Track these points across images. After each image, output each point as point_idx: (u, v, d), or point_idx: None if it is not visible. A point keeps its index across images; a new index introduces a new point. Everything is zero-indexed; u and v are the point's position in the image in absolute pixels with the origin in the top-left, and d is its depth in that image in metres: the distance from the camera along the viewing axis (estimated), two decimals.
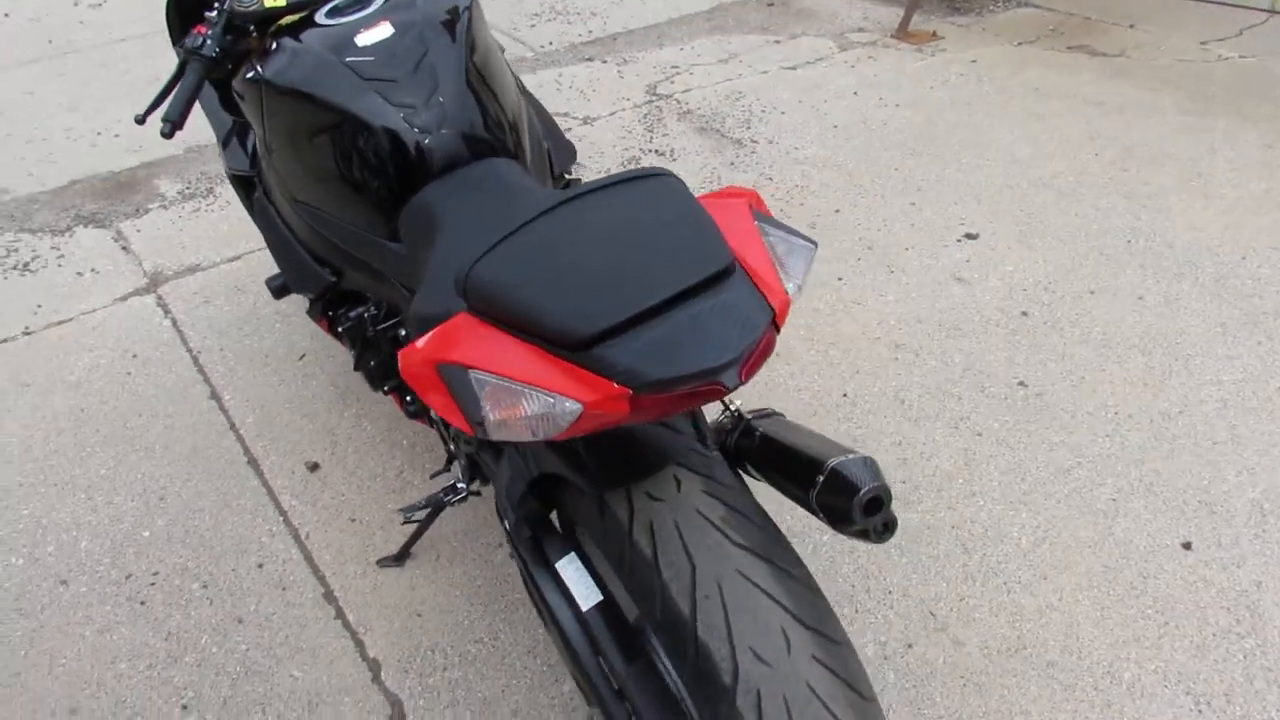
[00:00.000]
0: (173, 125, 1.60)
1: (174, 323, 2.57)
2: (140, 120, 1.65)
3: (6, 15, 4.56)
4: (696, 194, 2.71)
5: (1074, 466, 2.08)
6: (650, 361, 0.89)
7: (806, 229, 2.84)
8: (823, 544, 1.93)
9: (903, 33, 4.13)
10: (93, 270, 2.79)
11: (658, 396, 0.90)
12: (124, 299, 2.66)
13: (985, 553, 1.90)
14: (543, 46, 4.09)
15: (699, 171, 3.12)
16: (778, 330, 0.94)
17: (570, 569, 1.34)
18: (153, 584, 1.90)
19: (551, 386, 0.90)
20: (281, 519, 2.02)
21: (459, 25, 1.52)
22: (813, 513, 1.19)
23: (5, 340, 2.52)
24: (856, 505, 1.11)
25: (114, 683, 1.73)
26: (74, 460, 2.16)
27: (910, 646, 1.75)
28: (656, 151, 3.25)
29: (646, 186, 1.04)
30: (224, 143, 1.90)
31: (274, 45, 1.54)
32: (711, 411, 1.52)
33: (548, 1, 4.53)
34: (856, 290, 2.60)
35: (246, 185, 1.89)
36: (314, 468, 2.13)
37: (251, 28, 1.57)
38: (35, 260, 2.84)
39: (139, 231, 2.96)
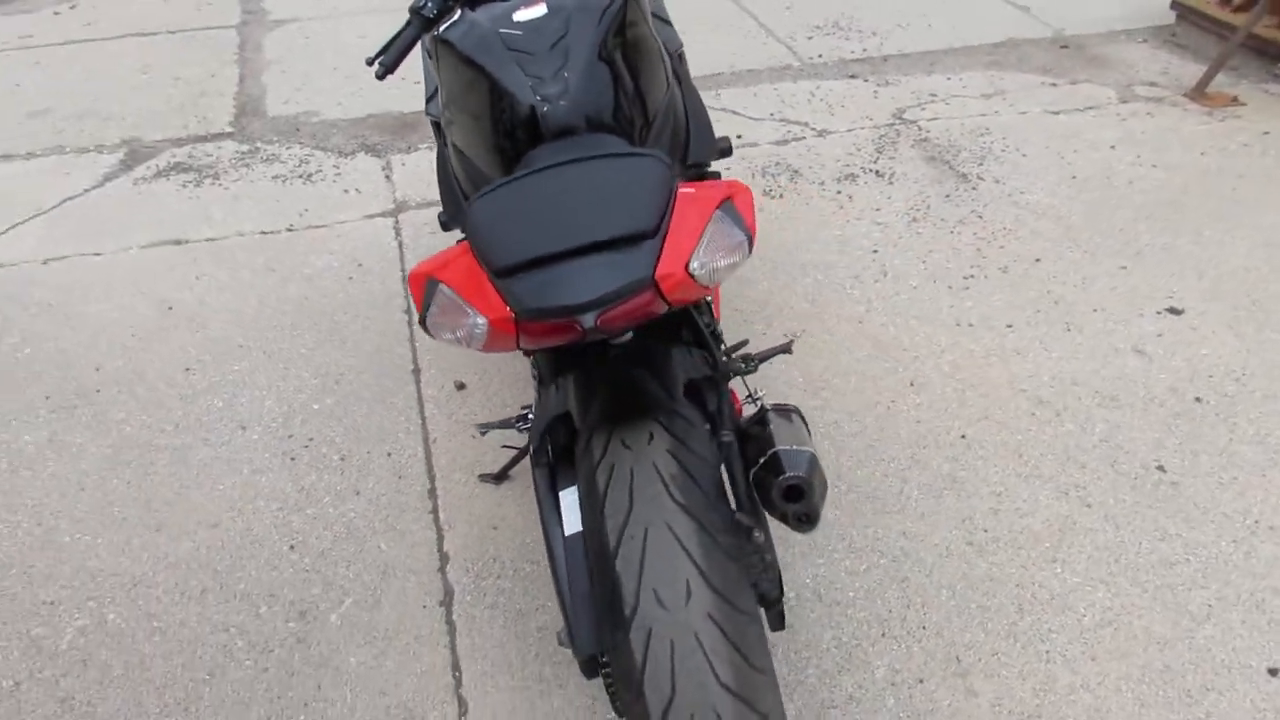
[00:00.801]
0: (385, 69, 1.91)
1: (400, 245, 2.97)
2: (370, 62, 1.98)
3: None
4: (897, 220, 2.68)
5: (1180, 562, 1.95)
6: (533, 295, 1.03)
7: (996, 271, 2.78)
8: (877, 566, 1.96)
9: (1199, 93, 3.84)
10: (356, 190, 3.27)
11: (535, 324, 1.05)
12: (370, 218, 3.12)
13: (1040, 617, 1.85)
14: (811, 58, 4.20)
15: (909, 198, 3.13)
16: (664, 298, 1.04)
17: (568, 498, 1.51)
18: (306, 446, 2.28)
19: (473, 304, 1.07)
20: (420, 422, 2.33)
21: (607, 13, 1.70)
22: (752, 489, 1.28)
23: (272, 232, 3.05)
24: (778, 486, 1.19)
25: (250, 513, 2.11)
26: (285, 336, 2.60)
27: (922, 682, 1.75)
28: (876, 172, 3.28)
29: (630, 163, 1.18)
30: (429, 94, 2.21)
31: (459, 12, 1.81)
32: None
33: (833, 16, 4.62)
34: (1022, 340, 2.53)
35: (440, 132, 2.20)
36: (460, 387, 2.43)
37: None
38: (318, 174, 3.38)
39: (403, 165, 3.42)
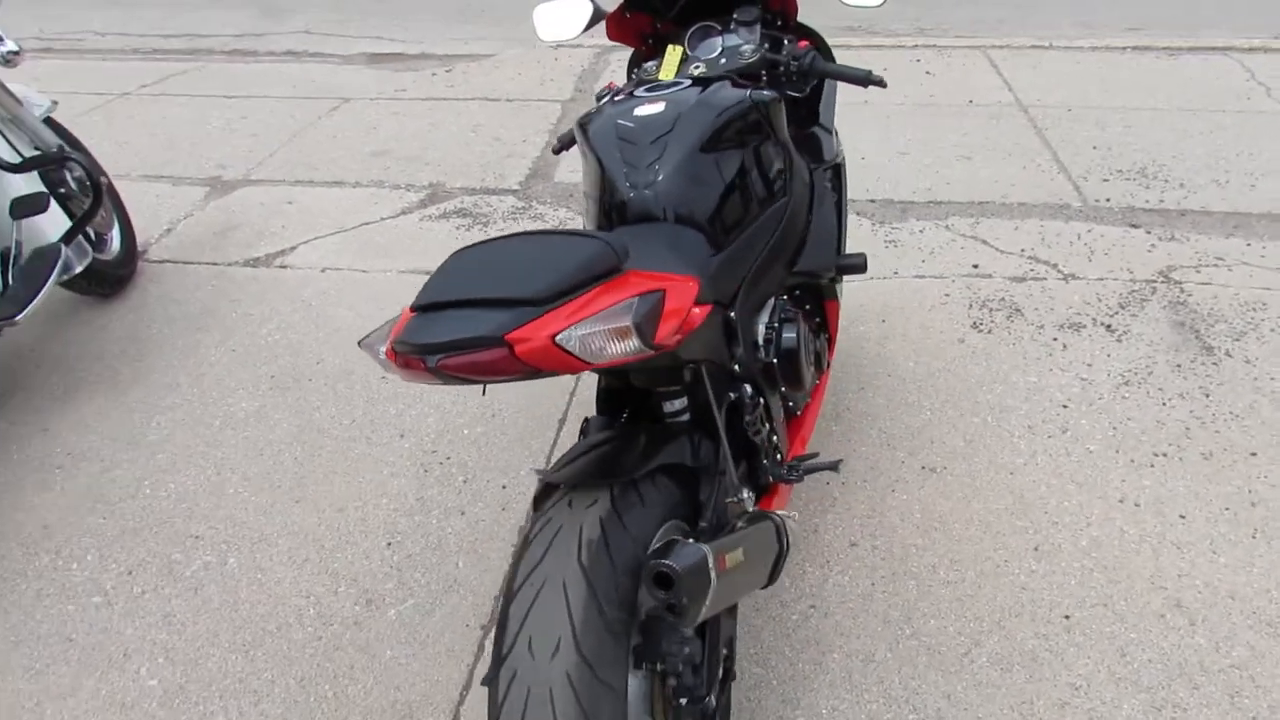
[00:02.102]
0: (561, 146, 2.17)
1: None
2: (555, 150, 2.25)
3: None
4: (1106, 380, 2.48)
5: None
6: (407, 331, 1.15)
7: (1197, 456, 2.48)
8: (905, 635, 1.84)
9: None
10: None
11: (406, 357, 1.16)
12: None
13: None
14: (1096, 201, 3.96)
15: (1132, 360, 2.86)
16: (515, 356, 1.12)
17: None
18: (441, 463, 2.54)
19: (390, 334, 1.22)
20: (545, 464, 2.52)
21: (717, 119, 1.80)
22: None
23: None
24: (647, 569, 1.23)
25: (370, 507, 2.40)
26: None
27: None
28: (1107, 326, 3.04)
29: (575, 242, 1.27)
30: None
31: (603, 103, 2.00)
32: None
33: (1142, 163, 4.31)
34: (1190, 535, 2.24)
35: None
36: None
37: None
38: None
39: None
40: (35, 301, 2.60)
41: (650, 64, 2.29)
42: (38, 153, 2.89)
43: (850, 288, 3.30)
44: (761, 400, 1.78)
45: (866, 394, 2.77)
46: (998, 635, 2.01)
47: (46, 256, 2.71)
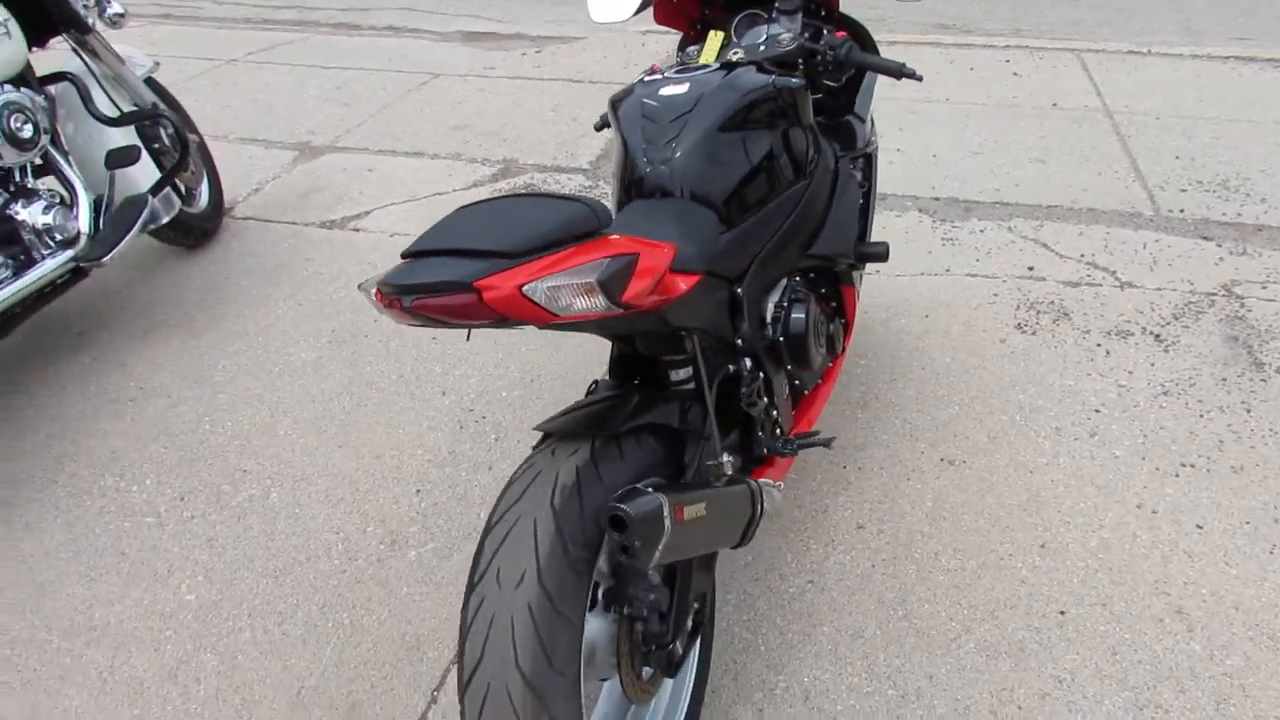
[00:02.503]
0: (601, 124, 2.27)
1: None
2: (597, 128, 2.35)
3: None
4: (1146, 388, 2.44)
5: None
6: (393, 276, 1.26)
7: (1226, 470, 2.45)
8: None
9: None
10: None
11: (389, 297, 1.26)
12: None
13: None
14: (1169, 211, 3.88)
15: (1176, 371, 2.83)
16: (483, 303, 1.21)
17: None
18: (477, 421, 2.67)
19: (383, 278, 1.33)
20: None
21: (738, 102, 1.87)
22: None
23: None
24: (605, 510, 1.32)
25: (405, 456, 2.55)
26: (514, 336, 3.04)
27: None
28: (1156, 336, 3.00)
29: (557, 204, 1.36)
30: None
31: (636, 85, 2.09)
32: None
33: (1225, 175, 4.19)
34: (1205, 545, 2.23)
35: None
36: None
37: None
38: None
39: None
40: (120, 246, 2.82)
41: (693, 48, 2.37)
42: (134, 109, 3.11)
43: (898, 282, 3.32)
44: (761, 375, 1.85)
45: (898, 385, 2.80)
46: (989, 624, 2.04)
47: (135, 205, 2.93)
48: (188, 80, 5.44)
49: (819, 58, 2.20)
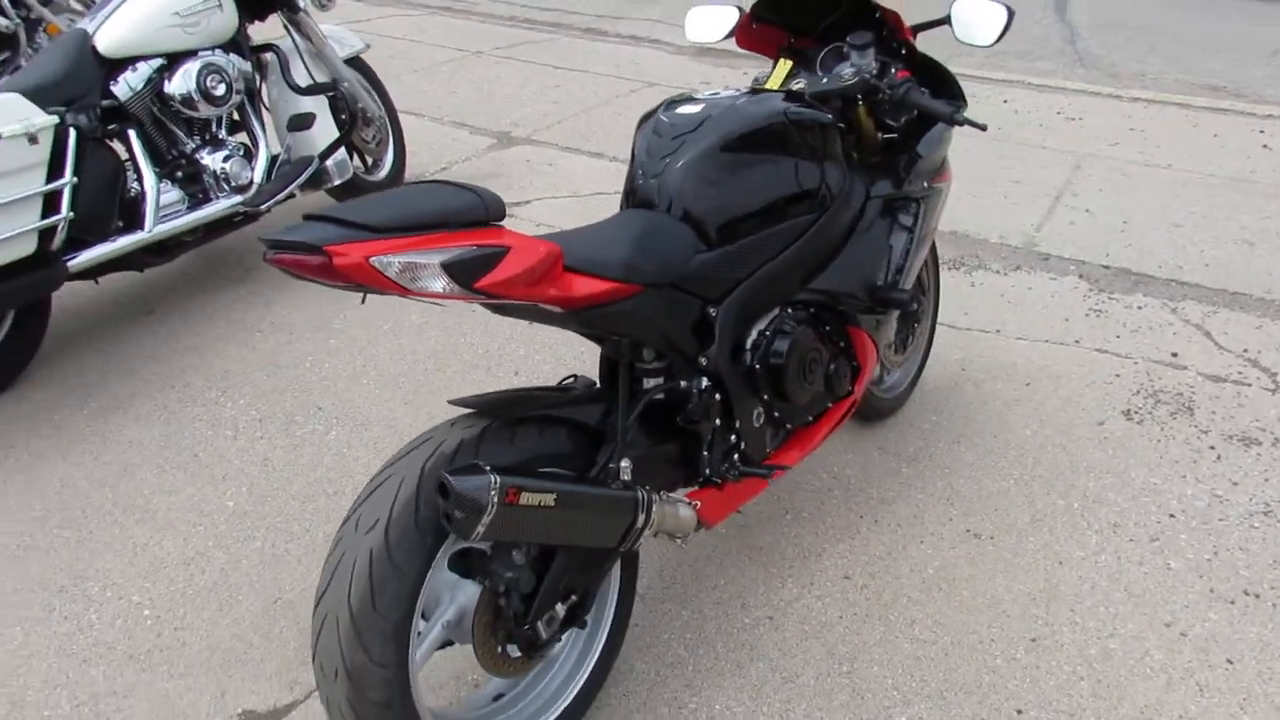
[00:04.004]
0: None
1: None
2: None
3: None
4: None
5: None
6: (275, 231, 1.40)
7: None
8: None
9: None
10: None
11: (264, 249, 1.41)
12: None
13: None
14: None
15: (1163, 457, 2.50)
16: (333, 267, 1.32)
17: None
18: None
19: None
20: None
21: (742, 127, 1.90)
22: None
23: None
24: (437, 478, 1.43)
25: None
26: None
27: None
28: (1159, 400, 2.67)
29: (456, 192, 1.46)
30: None
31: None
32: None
33: None
34: (1226, 683, 1.98)
35: None
36: None
37: None
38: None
39: None
40: (278, 198, 3.23)
41: (761, 74, 2.41)
42: (320, 82, 3.52)
43: (1016, 345, 3.14)
44: (718, 397, 1.87)
45: (958, 448, 2.67)
46: (931, 705, 1.94)
47: (301, 165, 3.34)
48: (433, 66, 6.00)
49: (880, 95, 2.16)
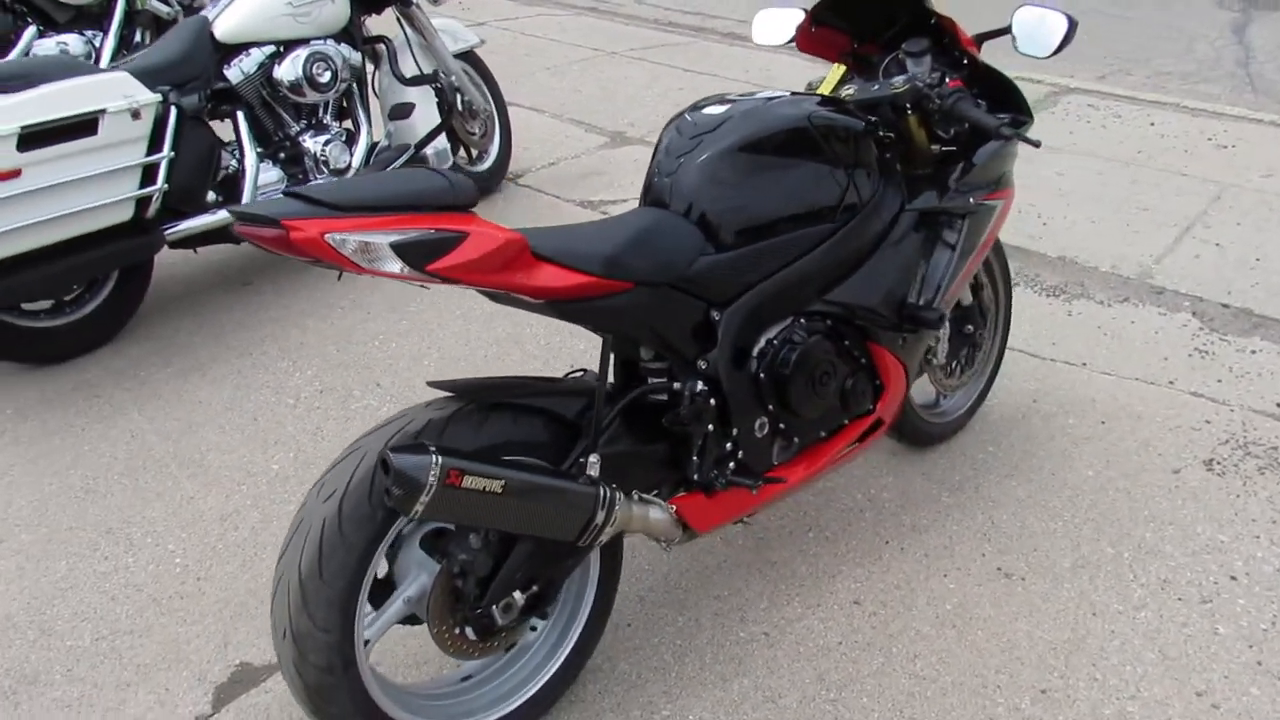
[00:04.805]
0: None
1: None
2: None
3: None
4: None
5: None
6: (247, 204, 1.46)
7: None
8: None
9: None
10: None
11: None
12: None
13: None
14: None
15: (1238, 515, 2.25)
16: (291, 241, 1.36)
17: None
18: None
19: None
20: None
21: (759, 130, 1.86)
22: None
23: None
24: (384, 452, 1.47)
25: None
26: None
27: None
28: (1248, 452, 2.40)
29: (434, 178, 1.49)
30: None
31: None
32: None
33: None
34: None
35: None
36: None
37: None
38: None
39: None
40: None
41: (815, 79, 2.35)
42: (423, 74, 3.65)
43: (1099, 380, 2.95)
44: (712, 401, 1.84)
45: (1010, 482, 2.52)
46: None
47: (396, 152, 3.48)
48: (565, 64, 6.13)
49: (931, 105, 2.08)
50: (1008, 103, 2.21)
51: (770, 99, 1.95)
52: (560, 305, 1.63)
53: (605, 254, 1.65)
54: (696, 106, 1.97)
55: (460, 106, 3.89)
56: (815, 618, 2.12)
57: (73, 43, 4.45)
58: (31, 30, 4.43)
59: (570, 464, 1.70)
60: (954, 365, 2.55)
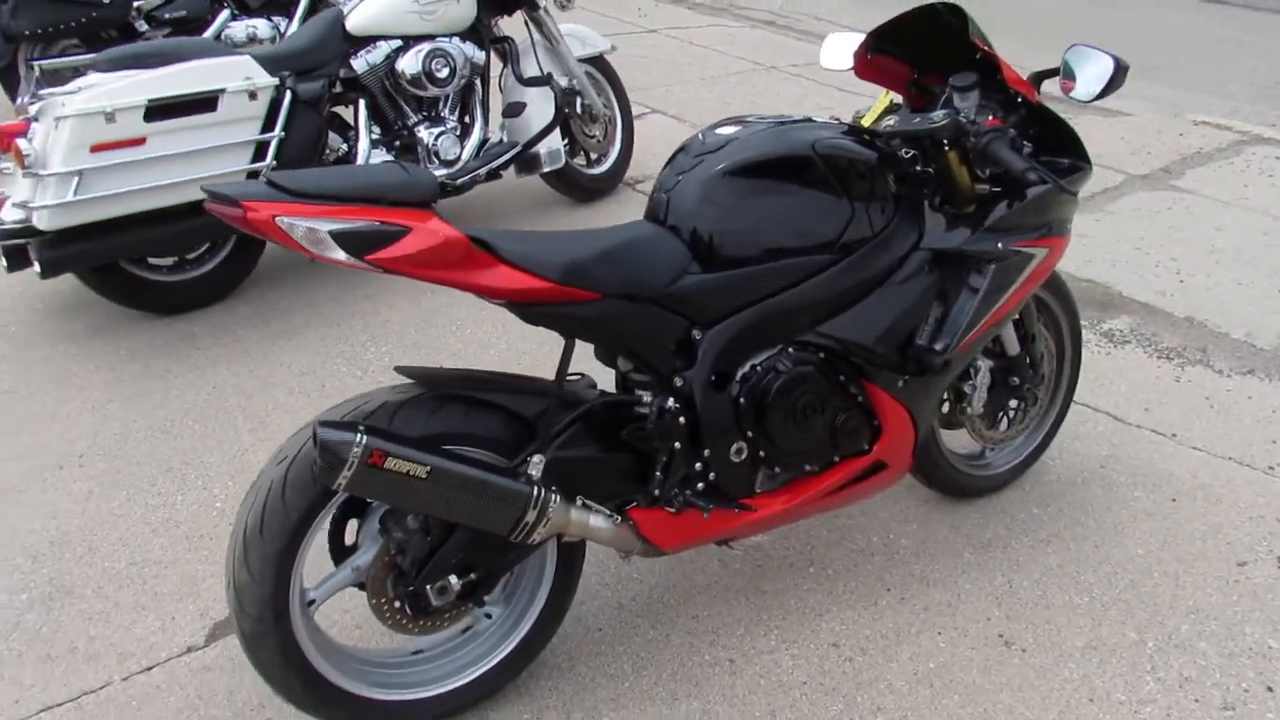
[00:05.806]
0: None
1: None
2: None
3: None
4: None
5: None
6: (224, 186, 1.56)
7: None
8: None
9: None
10: None
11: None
12: None
13: None
14: None
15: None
16: (246, 219, 1.46)
17: None
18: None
19: None
20: None
21: (762, 155, 1.84)
22: None
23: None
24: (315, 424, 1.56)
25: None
26: None
27: None
28: None
29: (396, 173, 1.57)
30: None
31: None
32: None
33: None
34: None
35: None
36: None
37: None
38: None
39: None
40: (478, 174, 3.53)
41: (862, 109, 2.29)
42: (539, 75, 3.76)
43: (1182, 453, 2.72)
44: (682, 420, 1.84)
45: (1045, 548, 2.37)
46: None
47: (502, 149, 3.62)
48: (722, 76, 6.16)
49: (967, 142, 2.00)
50: (1064, 148, 2.09)
51: (782, 123, 1.92)
52: (519, 308, 1.68)
53: (566, 262, 1.68)
54: (713, 126, 1.97)
55: (579, 110, 3.99)
56: (787, 653, 2.07)
57: (261, 27, 4.86)
58: (225, 14, 4.87)
59: (518, 462, 1.74)
60: (1000, 418, 2.42)
